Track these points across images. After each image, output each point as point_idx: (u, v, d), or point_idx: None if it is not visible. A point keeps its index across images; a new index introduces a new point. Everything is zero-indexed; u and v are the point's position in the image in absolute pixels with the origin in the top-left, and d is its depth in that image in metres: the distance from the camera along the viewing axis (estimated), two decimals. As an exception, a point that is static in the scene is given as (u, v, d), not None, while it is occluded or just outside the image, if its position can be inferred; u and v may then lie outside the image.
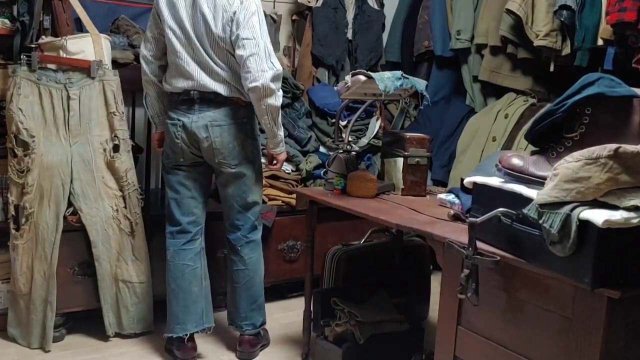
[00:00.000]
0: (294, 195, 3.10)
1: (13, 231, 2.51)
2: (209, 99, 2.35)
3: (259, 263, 2.58)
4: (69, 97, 2.54)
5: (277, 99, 2.31)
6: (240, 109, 2.38)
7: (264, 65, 2.24)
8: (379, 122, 3.56)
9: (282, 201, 3.12)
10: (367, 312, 2.37)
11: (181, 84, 2.35)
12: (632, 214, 1.23)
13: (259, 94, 2.25)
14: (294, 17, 3.77)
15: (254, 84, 2.23)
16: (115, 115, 2.61)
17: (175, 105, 2.40)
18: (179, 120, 2.37)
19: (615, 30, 2.55)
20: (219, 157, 2.38)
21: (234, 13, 2.25)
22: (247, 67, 2.24)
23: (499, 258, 1.44)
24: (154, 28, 2.41)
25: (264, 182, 3.01)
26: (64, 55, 2.56)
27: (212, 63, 2.32)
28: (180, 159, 2.43)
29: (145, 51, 2.45)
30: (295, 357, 2.60)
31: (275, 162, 2.55)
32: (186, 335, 2.45)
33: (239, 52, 2.26)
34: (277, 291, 3.20)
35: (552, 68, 2.99)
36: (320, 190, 2.47)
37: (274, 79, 2.26)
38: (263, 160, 2.65)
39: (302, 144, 3.36)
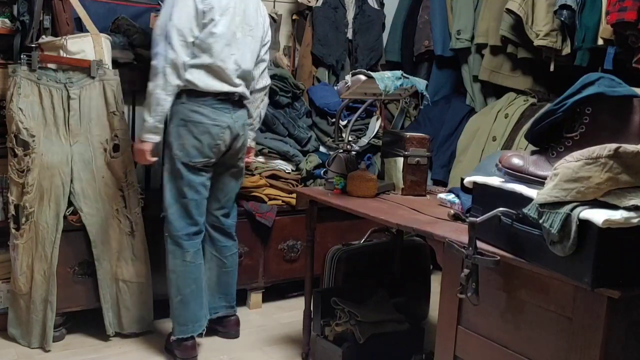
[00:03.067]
0: (294, 195, 3.10)
1: (13, 231, 2.51)
2: (238, 100, 2.49)
3: None
4: (69, 97, 2.53)
5: None
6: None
7: None
8: (379, 121, 3.56)
9: (282, 201, 3.12)
10: (367, 311, 2.37)
11: (226, 88, 2.41)
12: (632, 214, 1.23)
13: (267, 90, 2.74)
14: (294, 17, 3.77)
15: (269, 82, 2.74)
16: (115, 114, 2.61)
17: (211, 104, 2.39)
18: (223, 121, 2.41)
19: (616, 30, 2.55)
20: (240, 154, 2.59)
21: (266, 17, 2.59)
22: (266, 69, 2.68)
23: (499, 258, 1.44)
24: (196, 31, 2.31)
25: (264, 181, 3.08)
26: (64, 55, 2.55)
27: (250, 69, 2.51)
28: (213, 159, 2.45)
29: (184, 57, 2.30)
30: (295, 356, 2.60)
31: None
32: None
33: (266, 55, 2.64)
34: (277, 291, 3.20)
35: (552, 68, 2.99)
36: (320, 190, 2.47)
37: None
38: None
39: (302, 143, 3.36)
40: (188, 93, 2.37)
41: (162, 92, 2.29)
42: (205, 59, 2.35)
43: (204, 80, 2.36)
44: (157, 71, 2.29)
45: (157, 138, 2.37)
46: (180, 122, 2.38)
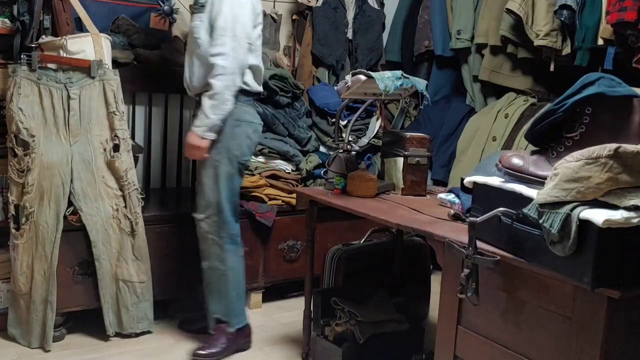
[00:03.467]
0: (294, 195, 3.10)
1: (13, 231, 2.51)
2: None
3: None
4: (69, 97, 2.53)
5: None
6: None
7: None
8: (379, 121, 3.56)
9: (282, 201, 3.12)
10: (367, 311, 2.37)
11: (260, 89, 2.53)
12: (632, 214, 1.23)
13: None
14: (294, 17, 3.77)
15: None
16: (115, 114, 2.61)
17: (252, 104, 2.51)
18: (260, 120, 2.53)
19: (616, 30, 2.55)
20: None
21: None
22: None
23: (499, 258, 1.44)
24: (251, 32, 2.39)
25: (264, 181, 3.08)
26: (64, 55, 2.55)
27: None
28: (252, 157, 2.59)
29: (246, 59, 2.38)
30: (295, 356, 2.60)
31: None
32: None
33: None
34: (277, 291, 3.20)
35: (552, 68, 2.99)
36: (320, 189, 2.47)
37: None
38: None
39: (302, 143, 3.36)
40: (238, 93, 2.40)
41: (228, 92, 2.33)
42: (252, 60, 2.42)
43: (252, 81, 2.46)
44: (226, 71, 2.30)
45: (215, 136, 2.38)
46: (234, 122, 2.41)
